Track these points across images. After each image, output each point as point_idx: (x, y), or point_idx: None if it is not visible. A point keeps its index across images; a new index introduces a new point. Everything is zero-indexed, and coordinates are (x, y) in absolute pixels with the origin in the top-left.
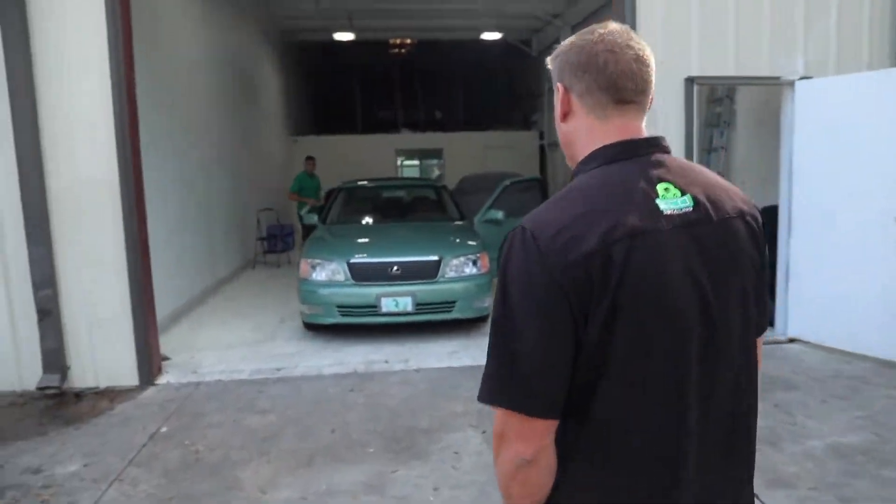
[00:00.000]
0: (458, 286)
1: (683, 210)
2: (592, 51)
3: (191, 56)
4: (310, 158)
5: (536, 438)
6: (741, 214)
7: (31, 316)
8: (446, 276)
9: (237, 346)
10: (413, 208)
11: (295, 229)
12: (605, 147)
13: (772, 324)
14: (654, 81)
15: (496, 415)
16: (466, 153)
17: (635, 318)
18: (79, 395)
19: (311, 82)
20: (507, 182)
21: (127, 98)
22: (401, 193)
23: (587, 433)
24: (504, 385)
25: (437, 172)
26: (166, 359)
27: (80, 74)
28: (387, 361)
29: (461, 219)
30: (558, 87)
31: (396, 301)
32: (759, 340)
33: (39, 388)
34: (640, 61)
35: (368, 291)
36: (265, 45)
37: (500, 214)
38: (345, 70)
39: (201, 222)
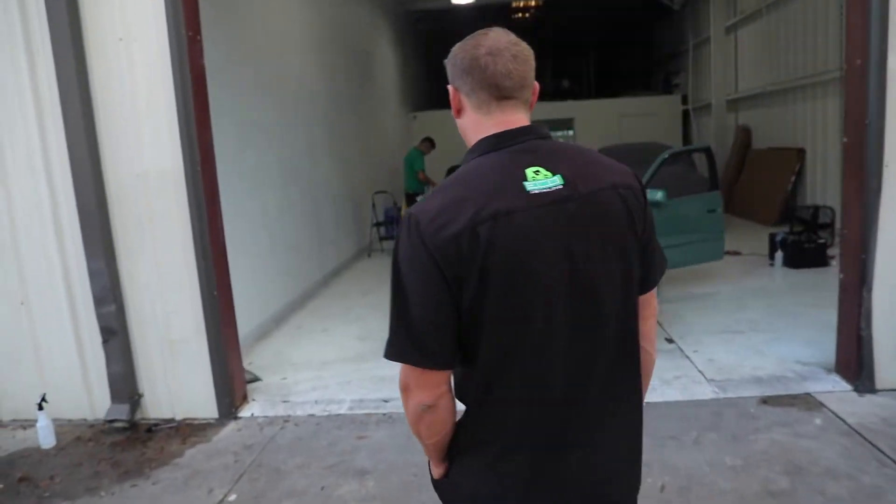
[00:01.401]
0: None
1: (553, 189)
2: (475, 55)
3: (296, 31)
4: (429, 141)
5: (433, 387)
6: (613, 186)
7: (99, 336)
8: None
9: (338, 361)
10: None
11: None
12: (483, 139)
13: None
14: (532, 77)
15: (400, 370)
16: (599, 123)
17: (502, 286)
18: (151, 430)
19: (429, 54)
20: (667, 154)
21: (191, 74)
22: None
23: (476, 380)
24: (403, 345)
25: None
26: (256, 380)
27: (134, 43)
28: None
29: None
30: (450, 89)
31: None
32: (650, 295)
33: (107, 421)
34: (518, 60)
35: None
36: (380, 16)
37: (659, 195)
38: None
39: (307, 211)
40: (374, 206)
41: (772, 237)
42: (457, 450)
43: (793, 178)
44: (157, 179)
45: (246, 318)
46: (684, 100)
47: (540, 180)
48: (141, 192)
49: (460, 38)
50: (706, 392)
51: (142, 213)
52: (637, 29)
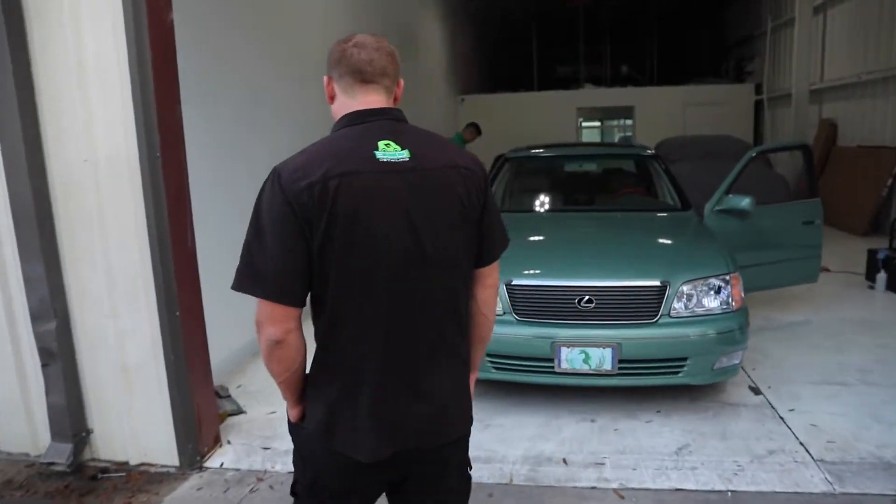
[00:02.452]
0: (692, 332)
1: (400, 160)
2: (344, 48)
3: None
4: (474, 126)
5: (282, 322)
6: (455, 165)
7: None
8: (673, 313)
9: None
10: (610, 189)
11: None
12: (346, 114)
13: None
14: (395, 71)
15: (256, 307)
16: (662, 112)
17: (344, 234)
18: (96, 479)
19: (480, 34)
20: (754, 152)
21: (152, 32)
22: (592, 167)
23: (323, 321)
24: (255, 279)
25: (620, 136)
26: (238, 412)
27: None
28: (565, 461)
29: (683, 207)
30: (325, 79)
31: (586, 354)
32: (490, 268)
33: (44, 464)
34: (379, 52)
35: (539, 335)
36: None
37: (746, 202)
38: (519, 19)
39: None
40: None
41: (872, 254)
42: (308, 391)
43: (889, 182)
44: (108, 167)
45: (238, 333)
46: (758, 89)
47: (390, 152)
48: (91, 182)
49: (513, 16)
50: (815, 480)
51: (92, 208)
52: (705, 10)
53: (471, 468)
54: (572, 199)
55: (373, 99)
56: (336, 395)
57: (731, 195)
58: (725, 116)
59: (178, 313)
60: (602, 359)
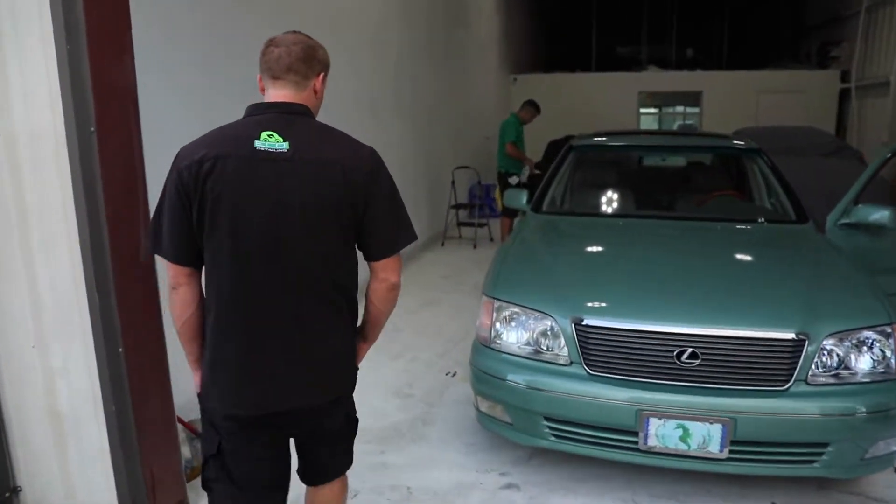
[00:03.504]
0: (838, 407)
1: (277, 150)
2: (265, 47)
3: None
4: (533, 106)
5: (176, 276)
6: (337, 161)
7: None
8: (812, 378)
9: (362, 433)
10: (698, 190)
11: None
12: (249, 105)
13: None
14: (307, 68)
15: None
16: (732, 99)
17: (212, 211)
18: None
19: (535, 10)
20: (889, 152)
21: None
22: (676, 162)
23: (206, 286)
24: (157, 241)
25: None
26: None
27: None
28: None
29: (799, 218)
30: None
31: (685, 430)
32: (378, 265)
33: None
34: (290, 52)
35: (620, 397)
36: None
37: (884, 215)
38: None
39: None
40: (453, 183)
41: None
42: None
43: None
44: (29, 148)
45: None
46: (843, 77)
47: (270, 142)
48: (6, 166)
49: None
50: None
51: (9, 201)
52: None
53: (356, 417)
54: (653, 202)
55: (281, 93)
56: (214, 357)
57: (861, 205)
58: (804, 106)
59: (121, 349)
60: (707, 437)
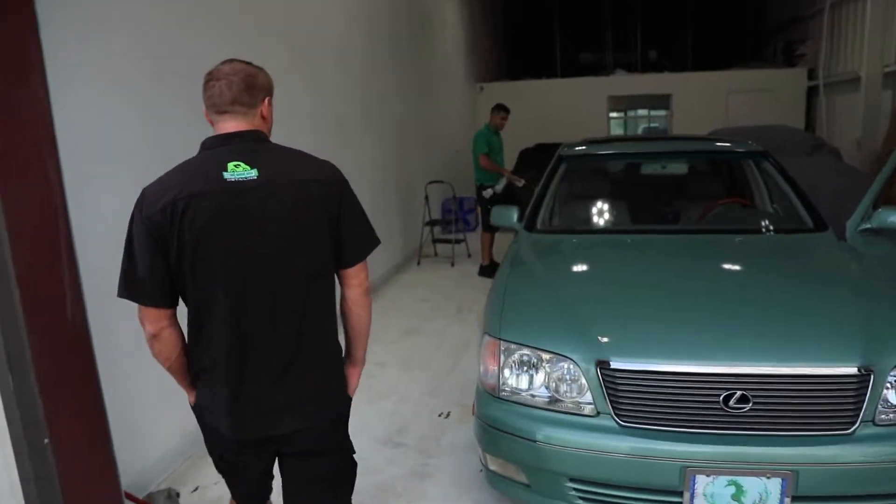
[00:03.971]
0: None
1: (248, 179)
2: (205, 82)
3: None
4: (501, 109)
5: (155, 321)
6: (306, 181)
7: None
8: (882, 418)
9: None
10: (702, 198)
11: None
12: (205, 140)
13: None
14: (250, 97)
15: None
16: (702, 100)
17: (194, 248)
18: None
19: (497, 19)
20: None
21: None
22: (677, 169)
23: (190, 318)
24: (131, 286)
25: (645, 127)
26: None
27: None
28: None
29: (817, 226)
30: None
31: (738, 487)
32: (352, 270)
33: None
34: (231, 85)
35: (659, 452)
36: None
37: None
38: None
39: None
40: (427, 198)
41: None
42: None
43: None
44: None
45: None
46: (810, 74)
47: (239, 172)
48: None
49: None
50: None
51: None
52: None
53: (353, 452)
54: (655, 214)
55: (230, 125)
56: (204, 385)
57: (881, 209)
58: (774, 104)
59: (46, 440)
60: (765, 494)
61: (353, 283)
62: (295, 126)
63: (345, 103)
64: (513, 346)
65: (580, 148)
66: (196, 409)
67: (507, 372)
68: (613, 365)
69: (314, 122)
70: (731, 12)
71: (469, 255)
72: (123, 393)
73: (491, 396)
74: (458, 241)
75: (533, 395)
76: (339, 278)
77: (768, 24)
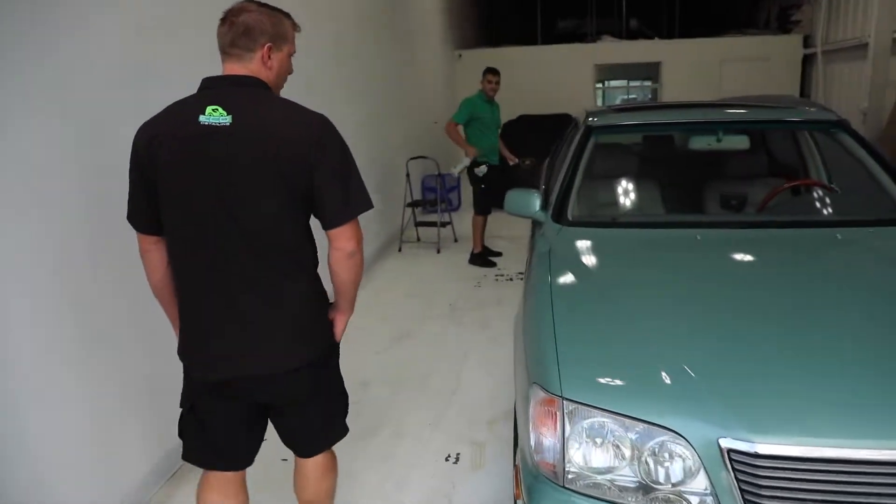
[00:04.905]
0: None
1: (220, 123)
2: (219, 23)
3: None
4: (492, 72)
5: (142, 242)
6: (275, 132)
7: None
8: None
9: None
10: (767, 181)
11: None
12: (203, 79)
13: None
14: (249, 40)
15: None
16: (693, 70)
17: (166, 182)
18: None
19: None
20: None
21: None
22: (737, 143)
23: (168, 253)
24: (129, 212)
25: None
26: None
27: None
28: None
29: None
30: None
31: None
32: (333, 233)
33: None
34: (233, 26)
35: None
36: None
37: None
38: None
39: None
40: (408, 176)
41: None
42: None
43: None
44: None
45: (161, 435)
46: (806, 41)
47: (215, 116)
48: None
49: None
50: None
51: None
52: None
53: (343, 394)
54: (719, 201)
55: (230, 67)
56: (183, 321)
57: None
58: (768, 74)
59: None
60: None
61: (335, 246)
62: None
63: (318, 65)
64: (582, 408)
65: (613, 116)
66: (178, 350)
67: (573, 446)
68: (757, 449)
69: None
70: None
71: (456, 240)
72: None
73: (550, 483)
74: (443, 224)
75: (618, 483)
76: (327, 238)
77: None
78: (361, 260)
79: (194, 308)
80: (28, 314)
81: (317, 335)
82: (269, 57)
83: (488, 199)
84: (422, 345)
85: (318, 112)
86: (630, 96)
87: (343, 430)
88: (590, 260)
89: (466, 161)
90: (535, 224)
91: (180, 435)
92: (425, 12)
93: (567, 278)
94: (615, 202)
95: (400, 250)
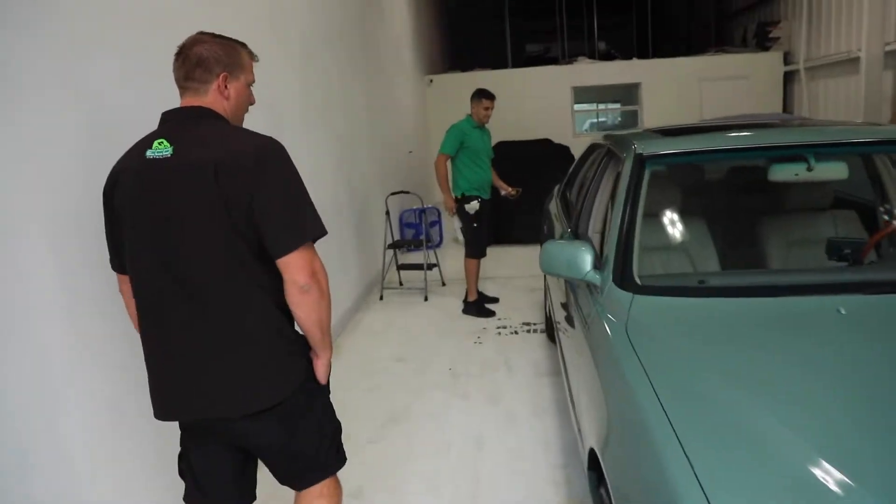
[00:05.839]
0: None
1: (162, 156)
2: (174, 58)
3: None
4: (483, 96)
5: (119, 280)
6: (215, 161)
7: None
8: None
9: None
10: (869, 222)
11: (442, 214)
12: (161, 113)
13: None
14: (203, 72)
15: None
16: (673, 90)
17: (120, 220)
18: None
19: (441, 8)
20: None
21: None
22: (832, 174)
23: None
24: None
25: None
26: None
27: None
28: None
29: None
30: None
31: None
32: (283, 262)
33: None
34: (186, 61)
35: None
36: None
37: None
38: None
39: None
40: (387, 214)
41: None
42: None
43: None
44: None
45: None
46: (786, 58)
47: (160, 150)
48: None
49: None
50: None
51: None
52: None
53: (336, 430)
54: (823, 252)
55: (186, 100)
56: (145, 358)
57: None
58: (749, 92)
59: None
60: None
61: (286, 278)
62: None
63: (283, 87)
64: None
65: (670, 142)
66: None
67: None
68: None
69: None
70: None
71: (444, 284)
72: None
73: None
74: (430, 267)
75: None
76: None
77: (733, 6)
78: (322, 295)
79: (148, 346)
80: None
81: (280, 376)
82: (226, 87)
83: (482, 238)
84: (422, 429)
85: (269, 136)
86: (600, 119)
87: (340, 460)
88: (695, 345)
89: (476, 205)
90: (588, 289)
91: (180, 475)
92: (398, 33)
93: (672, 374)
94: (692, 254)
95: (381, 298)
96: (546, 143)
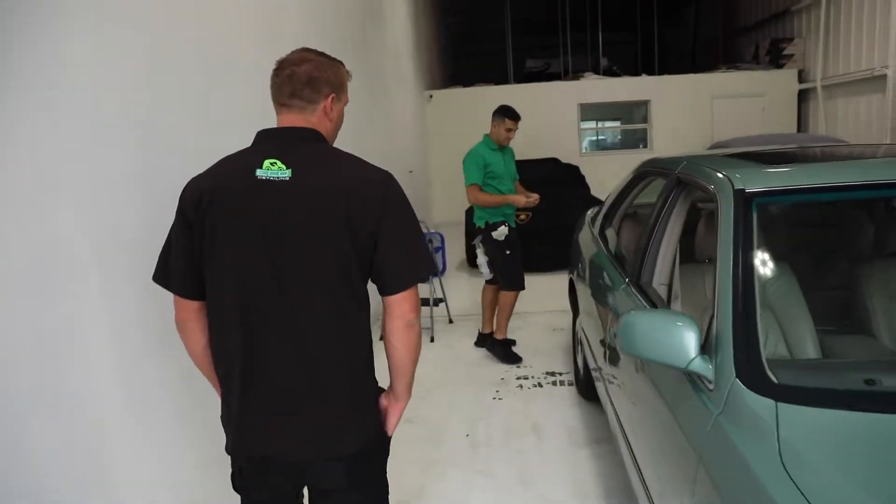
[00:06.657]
0: None
1: (278, 178)
2: (274, 71)
3: None
4: (506, 116)
5: (181, 310)
6: (338, 189)
7: None
8: None
9: None
10: None
11: (446, 240)
12: (259, 132)
13: None
14: (311, 91)
15: None
16: (683, 107)
17: (210, 244)
18: None
19: (446, 23)
20: None
21: None
22: None
23: (209, 319)
24: (163, 272)
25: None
26: None
27: None
28: None
29: None
30: None
31: None
32: (392, 300)
33: None
34: (292, 78)
35: None
36: None
37: None
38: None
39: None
40: None
41: None
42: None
43: None
44: None
45: None
46: (801, 75)
47: (273, 170)
48: None
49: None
50: None
51: None
52: None
53: (386, 489)
54: None
55: (286, 119)
56: (223, 387)
57: None
58: (763, 109)
59: None
60: None
61: (393, 314)
62: (218, 128)
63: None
64: None
65: (782, 176)
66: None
67: None
68: None
69: (237, 121)
70: (698, 13)
71: (451, 321)
72: None
73: None
74: (436, 302)
75: None
76: (384, 305)
77: (742, 22)
78: (420, 332)
79: (230, 376)
80: None
81: (367, 422)
82: (332, 108)
83: (519, 267)
84: None
85: (383, 168)
86: (600, 137)
87: None
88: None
89: (504, 230)
90: (692, 386)
91: (234, 489)
92: (399, 46)
93: None
94: (811, 326)
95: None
96: (554, 162)
